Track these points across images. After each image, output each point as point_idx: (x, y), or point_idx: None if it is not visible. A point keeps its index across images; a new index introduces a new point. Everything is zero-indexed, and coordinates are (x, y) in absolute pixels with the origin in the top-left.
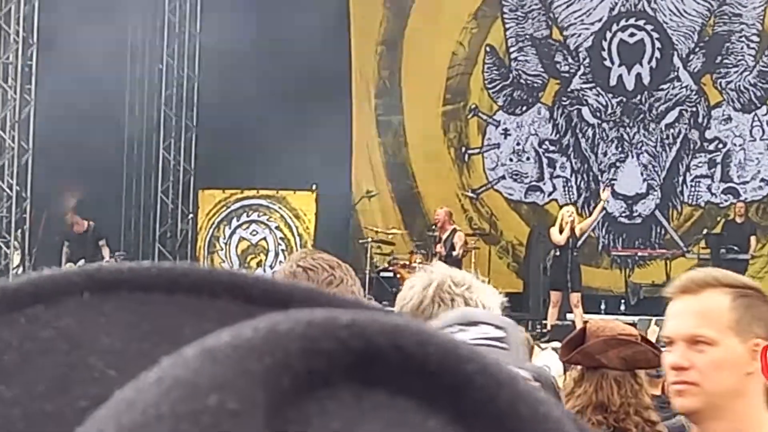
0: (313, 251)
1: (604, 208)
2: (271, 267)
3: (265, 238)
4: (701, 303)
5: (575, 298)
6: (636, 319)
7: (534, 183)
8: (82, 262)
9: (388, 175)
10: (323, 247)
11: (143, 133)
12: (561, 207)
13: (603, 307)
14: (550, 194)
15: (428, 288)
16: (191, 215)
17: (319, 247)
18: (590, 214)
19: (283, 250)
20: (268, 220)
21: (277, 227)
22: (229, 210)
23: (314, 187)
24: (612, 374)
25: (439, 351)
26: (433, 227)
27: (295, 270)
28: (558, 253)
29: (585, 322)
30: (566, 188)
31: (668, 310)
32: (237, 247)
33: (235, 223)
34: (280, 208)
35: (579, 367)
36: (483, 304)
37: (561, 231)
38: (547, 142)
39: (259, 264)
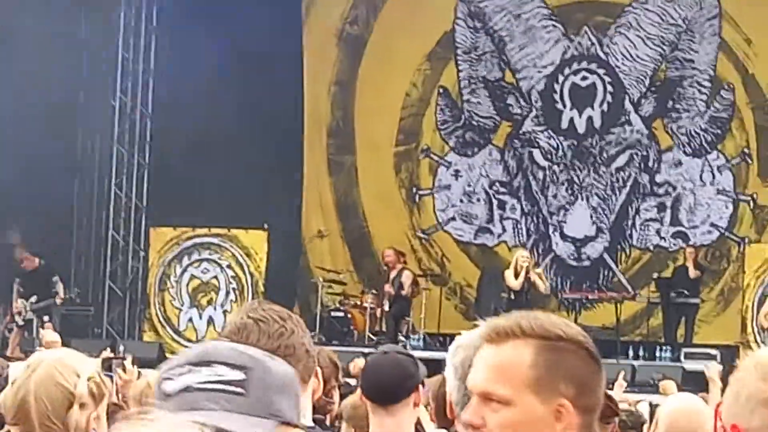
0: (264, 302)
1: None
2: (222, 305)
3: (216, 277)
4: (500, 356)
5: None
6: None
7: (484, 225)
8: (34, 298)
9: (339, 214)
10: (274, 285)
11: (95, 169)
12: (510, 249)
13: None
14: (499, 236)
15: None
16: (143, 252)
17: (269, 285)
18: (539, 256)
19: (234, 289)
20: (219, 258)
21: (228, 266)
22: (180, 248)
23: (266, 225)
24: None
25: None
26: (385, 267)
27: (246, 321)
28: (512, 297)
29: None
30: (516, 230)
31: (473, 359)
32: (188, 285)
33: (186, 261)
34: (231, 246)
35: None
36: None
37: (516, 275)
38: (497, 184)
39: (209, 302)
